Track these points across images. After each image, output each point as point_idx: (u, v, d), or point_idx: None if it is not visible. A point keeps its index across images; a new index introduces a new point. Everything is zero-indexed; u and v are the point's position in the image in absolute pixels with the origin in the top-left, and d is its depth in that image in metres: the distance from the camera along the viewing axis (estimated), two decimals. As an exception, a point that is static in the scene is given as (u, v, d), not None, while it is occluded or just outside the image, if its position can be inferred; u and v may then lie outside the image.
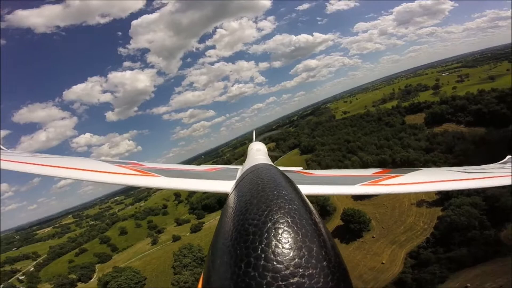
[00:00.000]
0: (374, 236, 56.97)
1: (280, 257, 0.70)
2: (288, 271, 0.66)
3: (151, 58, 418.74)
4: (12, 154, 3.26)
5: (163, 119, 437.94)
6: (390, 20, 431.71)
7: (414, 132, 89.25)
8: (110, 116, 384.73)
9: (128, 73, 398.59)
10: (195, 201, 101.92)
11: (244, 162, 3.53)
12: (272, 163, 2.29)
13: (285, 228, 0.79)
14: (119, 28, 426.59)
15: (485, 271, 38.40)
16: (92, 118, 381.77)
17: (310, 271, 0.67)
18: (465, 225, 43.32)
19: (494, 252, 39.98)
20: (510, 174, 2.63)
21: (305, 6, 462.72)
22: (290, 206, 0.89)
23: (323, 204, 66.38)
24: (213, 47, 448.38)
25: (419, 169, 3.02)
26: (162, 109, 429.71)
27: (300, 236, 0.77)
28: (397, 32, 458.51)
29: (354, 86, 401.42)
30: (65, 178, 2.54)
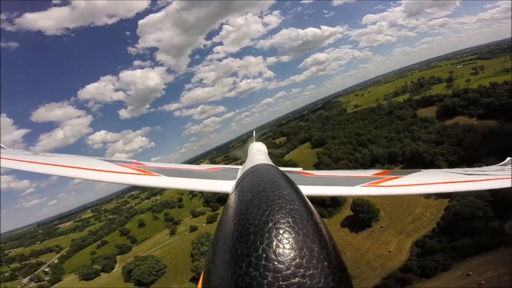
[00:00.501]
0: (383, 226, 59.10)
1: (281, 257, 0.71)
2: (289, 271, 0.67)
3: (160, 56, 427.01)
4: (12, 152, 3.31)
5: (175, 115, 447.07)
6: (399, 12, 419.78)
7: (425, 125, 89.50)
8: (124, 113, 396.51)
9: (138, 71, 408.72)
10: (209, 194, 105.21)
11: (244, 162, 3.65)
12: (272, 163, 2.33)
13: (286, 228, 0.80)
14: (126, 28, 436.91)
15: (488, 260, 39.69)
16: (107, 116, 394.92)
17: (311, 271, 0.68)
18: (470, 215, 44.84)
19: (498, 242, 41.17)
20: (510, 176, 2.67)
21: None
22: (291, 207, 0.90)
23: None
24: (220, 43, 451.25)
25: (419, 171, 3.09)
26: (173, 105, 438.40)
27: (301, 236, 0.77)
28: (407, 23, 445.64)
29: (365, 79, 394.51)
30: (65, 177, 2.51)
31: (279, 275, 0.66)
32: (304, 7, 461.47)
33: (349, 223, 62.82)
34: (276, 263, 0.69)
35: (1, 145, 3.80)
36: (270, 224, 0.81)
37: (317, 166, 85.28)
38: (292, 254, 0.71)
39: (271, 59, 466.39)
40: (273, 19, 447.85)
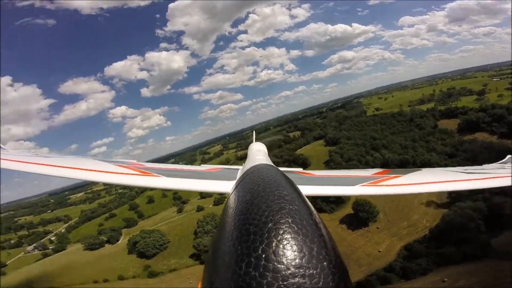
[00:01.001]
0: (379, 227, 61.20)
1: (281, 257, 0.70)
2: (288, 271, 0.67)
3: (186, 40, 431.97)
4: (12, 153, 3.33)
5: (193, 98, 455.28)
6: (441, 17, 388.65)
7: (442, 137, 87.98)
8: (145, 92, 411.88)
9: (164, 53, 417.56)
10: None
11: (244, 163, 3.64)
12: (272, 164, 2.32)
13: (286, 228, 0.79)
14: (157, 11, 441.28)
15: (467, 270, 41.08)
16: (129, 93, 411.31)
17: (311, 271, 0.68)
18: (461, 226, 46.30)
19: (482, 254, 42.41)
20: (510, 174, 2.67)
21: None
22: (291, 207, 0.89)
23: (337, 193, 71.07)
24: (245, 31, 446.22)
25: (419, 170, 3.10)
26: (193, 89, 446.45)
27: (301, 237, 0.77)
28: (448, 29, 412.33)
29: (392, 82, 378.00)
30: (65, 178, 2.51)
31: (279, 275, 0.67)
32: (337, 3, 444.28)
33: (348, 221, 65.17)
34: (275, 263, 0.69)
35: (1, 145, 3.85)
36: (270, 225, 0.81)
37: (328, 164, 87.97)
38: (291, 254, 0.72)
39: (295, 52, 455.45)
40: (302, 12, 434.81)
